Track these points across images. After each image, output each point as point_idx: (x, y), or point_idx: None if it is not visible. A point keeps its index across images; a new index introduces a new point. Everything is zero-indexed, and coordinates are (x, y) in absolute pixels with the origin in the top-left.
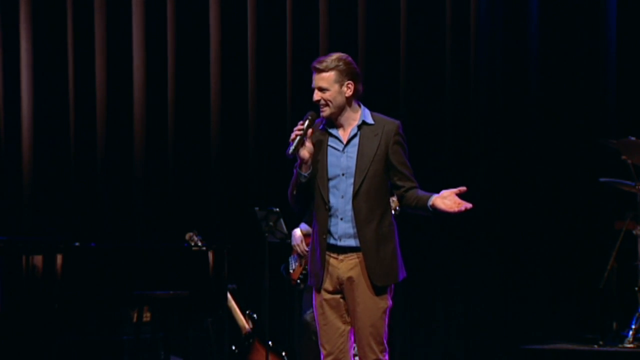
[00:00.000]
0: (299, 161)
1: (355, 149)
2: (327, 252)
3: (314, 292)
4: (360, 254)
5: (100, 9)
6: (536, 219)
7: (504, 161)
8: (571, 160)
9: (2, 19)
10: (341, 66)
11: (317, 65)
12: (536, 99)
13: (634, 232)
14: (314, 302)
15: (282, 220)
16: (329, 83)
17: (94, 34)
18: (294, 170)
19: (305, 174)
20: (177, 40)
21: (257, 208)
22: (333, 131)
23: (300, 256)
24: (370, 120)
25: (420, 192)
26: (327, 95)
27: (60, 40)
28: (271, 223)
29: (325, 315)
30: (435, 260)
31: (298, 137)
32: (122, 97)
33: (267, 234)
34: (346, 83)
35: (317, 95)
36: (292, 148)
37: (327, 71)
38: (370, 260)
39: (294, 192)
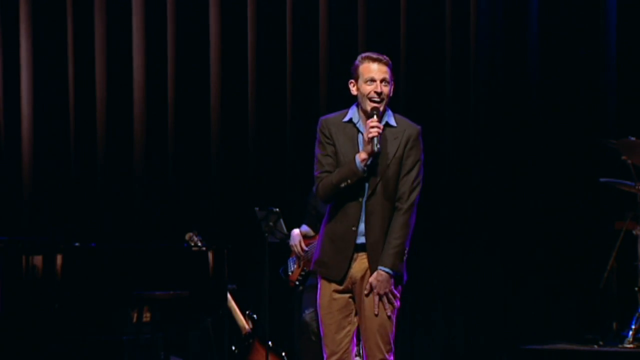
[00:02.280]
0: (367, 156)
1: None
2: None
3: (321, 283)
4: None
5: (100, 8)
6: (536, 218)
7: (504, 161)
8: (571, 160)
9: (2, 18)
10: (391, 64)
11: (381, 58)
12: (536, 100)
13: (634, 232)
14: (319, 297)
15: (281, 221)
16: (390, 77)
17: (94, 33)
18: (359, 166)
19: (366, 169)
20: (177, 40)
21: (257, 208)
22: (361, 128)
23: (298, 258)
24: (393, 122)
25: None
26: (387, 89)
27: (61, 40)
28: (271, 223)
29: (332, 315)
30: (435, 260)
31: (379, 133)
32: (122, 97)
33: (267, 234)
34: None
35: (380, 88)
36: (377, 145)
37: (388, 65)
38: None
39: (342, 186)
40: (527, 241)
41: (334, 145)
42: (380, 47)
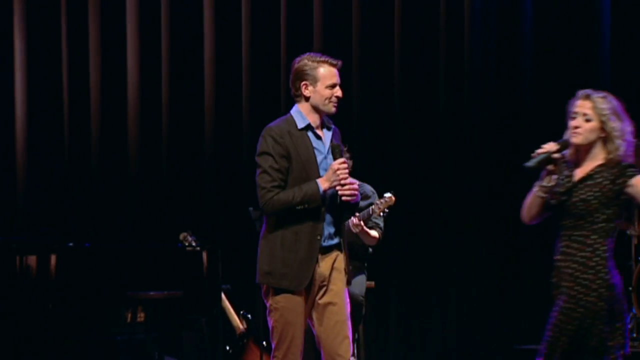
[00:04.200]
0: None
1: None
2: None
3: (286, 295)
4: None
5: (94, 9)
6: None
7: (499, 163)
8: None
9: None
10: None
11: (338, 62)
12: (530, 101)
13: (628, 232)
14: (287, 310)
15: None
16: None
17: (88, 35)
18: (322, 195)
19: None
20: (171, 41)
21: (251, 208)
22: (316, 132)
23: None
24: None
25: None
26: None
27: (55, 41)
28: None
29: (302, 324)
30: (430, 260)
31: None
32: (116, 97)
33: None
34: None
35: (340, 92)
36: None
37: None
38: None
39: (298, 208)
40: (521, 241)
41: (288, 157)
42: (373, 48)
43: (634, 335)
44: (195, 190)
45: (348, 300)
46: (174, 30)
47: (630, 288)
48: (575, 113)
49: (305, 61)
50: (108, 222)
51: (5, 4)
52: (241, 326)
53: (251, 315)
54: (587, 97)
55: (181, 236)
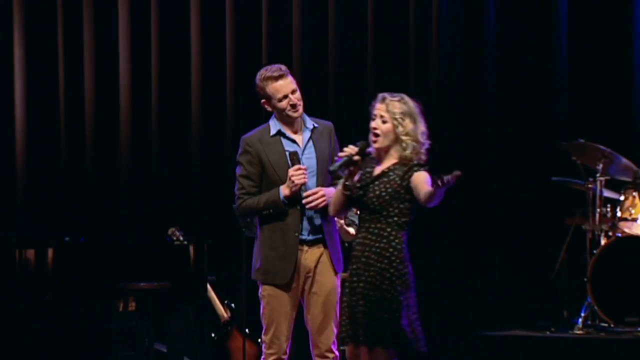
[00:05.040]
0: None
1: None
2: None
3: (271, 286)
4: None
5: (89, 18)
6: (494, 214)
7: (466, 161)
8: (526, 160)
9: None
10: (288, 70)
11: (281, 73)
12: (494, 105)
13: (583, 227)
14: (275, 304)
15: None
16: (295, 83)
17: (82, 42)
18: (282, 200)
19: (287, 202)
20: (160, 49)
21: (234, 205)
22: (290, 136)
23: None
24: (313, 124)
25: None
26: (298, 95)
27: (51, 48)
28: (248, 219)
29: (288, 314)
30: None
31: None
32: (109, 101)
33: (244, 230)
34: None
35: (294, 99)
36: (303, 189)
37: (289, 74)
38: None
39: (264, 212)
40: (486, 235)
41: (260, 163)
42: (348, 52)
43: (589, 323)
44: (182, 189)
45: (338, 290)
46: (163, 39)
47: (585, 279)
48: (374, 115)
49: (257, 82)
50: (101, 218)
51: (6, 16)
52: (225, 314)
53: (234, 305)
54: (384, 100)
55: (170, 231)
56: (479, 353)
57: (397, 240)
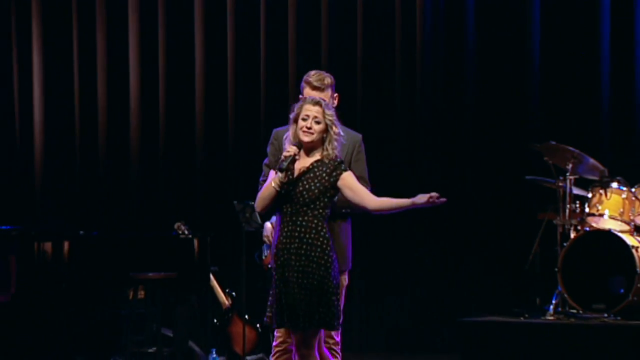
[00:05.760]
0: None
1: None
2: None
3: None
4: None
5: (102, 27)
6: (472, 210)
7: (446, 161)
8: (501, 160)
9: (17, 38)
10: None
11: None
12: (473, 110)
13: (554, 221)
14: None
15: (256, 213)
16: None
17: (95, 50)
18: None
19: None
20: (167, 57)
21: (235, 202)
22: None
23: (270, 245)
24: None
25: None
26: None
27: (67, 56)
28: (247, 215)
29: None
30: (384, 248)
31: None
32: (120, 105)
33: (243, 224)
34: None
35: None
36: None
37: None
38: None
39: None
40: (465, 230)
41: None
42: (339, 60)
43: (559, 309)
44: (188, 187)
45: (344, 284)
46: (169, 47)
47: (556, 269)
48: (307, 116)
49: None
50: (113, 214)
51: (25, 26)
52: (227, 302)
53: (235, 293)
54: (317, 103)
55: (176, 226)
56: (457, 338)
57: (324, 231)
